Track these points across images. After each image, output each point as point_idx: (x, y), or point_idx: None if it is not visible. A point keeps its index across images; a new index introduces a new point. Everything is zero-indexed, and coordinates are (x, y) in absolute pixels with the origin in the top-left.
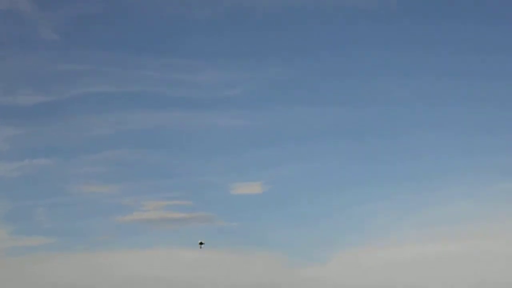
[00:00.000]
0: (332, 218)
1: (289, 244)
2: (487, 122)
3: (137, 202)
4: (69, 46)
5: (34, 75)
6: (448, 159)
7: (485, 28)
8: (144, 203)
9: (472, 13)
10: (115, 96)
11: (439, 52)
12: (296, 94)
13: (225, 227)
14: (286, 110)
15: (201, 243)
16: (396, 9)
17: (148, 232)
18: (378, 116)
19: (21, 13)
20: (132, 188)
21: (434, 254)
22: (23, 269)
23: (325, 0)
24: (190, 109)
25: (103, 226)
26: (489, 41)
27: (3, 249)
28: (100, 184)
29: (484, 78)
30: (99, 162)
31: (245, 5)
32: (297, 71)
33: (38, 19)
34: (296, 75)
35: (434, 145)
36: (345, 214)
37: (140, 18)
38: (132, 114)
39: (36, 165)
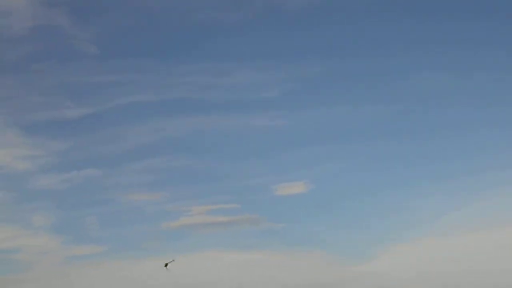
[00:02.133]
0: (378, 215)
1: (337, 243)
2: None
3: (182, 207)
4: (107, 57)
5: (76, 88)
6: (490, 154)
7: None
8: (189, 208)
9: None
10: (155, 104)
11: (482, 49)
12: (334, 93)
13: (272, 228)
14: (325, 109)
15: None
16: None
17: (195, 236)
18: (419, 115)
19: (59, 28)
20: (177, 194)
21: (482, 246)
22: (77, 278)
23: None
24: (228, 112)
25: (150, 233)
26: None
27: (57, 259)
28: (145, 192)
29: None
30: (143, 170)
31: (279, 4)
32: (335, 70)
33: (76, 32)
34: (334, 73)
35: (477, 140)
36: (390, 210)
37: (174, 25)
38: (173, 121)
39: (84, 176)
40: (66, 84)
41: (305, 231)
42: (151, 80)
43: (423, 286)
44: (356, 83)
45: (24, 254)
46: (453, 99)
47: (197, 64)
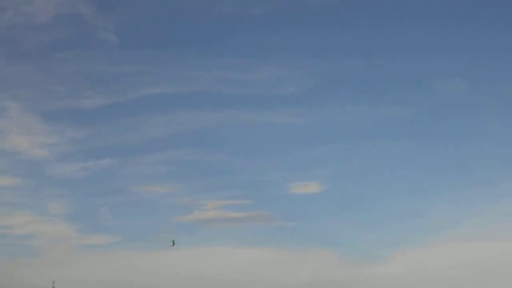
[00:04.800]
0: (392, 218)
1: (348, 242)
2: None
3: (196, 201)
4: (128, 47)
5: (95, 77)
6: (509, 163)
7: None
8: (203, 202)
9: None
10: (173, 96)
11: (503, 59)
12: (352, 93)
13: (283, 226)
14: (342, 108)
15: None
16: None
17: (208, 231)
18: (439, 120)
19: (81, 17)
20: (191, 188)
21: (497, 253)
22: (88, 266)
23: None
24: (246, 107)
25: (163, 225)
26: None
27: (71, 246)
28: (160, 184)
29: None
30: (159, 163)
31: (299, 2)
32: (354, 70)
33: (97, 22)
34: (353, 73)
35: (497, 149)
36: (404, 214)
37: (196, 18)
38: (190, 114)
39: (100, 165)
40: (86, 73)
41: (317, 230)
42: (170, 72)
43: None
44: (375, 85)
45: (39, 240)
46: (473, 107)
47: (217, 58)
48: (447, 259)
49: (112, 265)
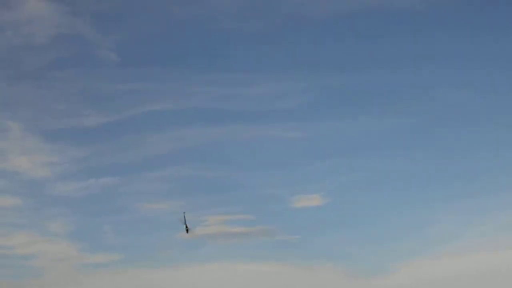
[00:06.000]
0: (394, 231)
1: (352, 256)
2: None
3: (198, 217)
4: (128, 65)
5: (95, 96)
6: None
7: None
8: (205, 218)
9: None
10: (173, 113)
11: (503, 68)
12: (352, 106)
13: (286, 240)
14: (343, 121)
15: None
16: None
17: (210, 247)
18: (436, 127)
19: (81, 36)
20: (193, 204)
21: (500, 264)
22: (91, 286)
23: (381, 10)
24: (247, 122)
25: (166, 242)
26: None
27: (73, 266)
28: (162, 201)
29: None
30: (160, 179)
31: (298, 16)
32: (354, 83)
33: (97, 40)
34: (353, 86)
35: (498, 159)
36: (407, 226)
37: (195, 34)
38: (190, 130)
39: (101, 184)
40: (87, 92)
41: (320, 244)
42: (170, 89)
43: None
44: (375, 97)
45: (41, 260)
46: (474, 116)
47: (216, 73)
48: (453, 270)
49: (115, 284)
